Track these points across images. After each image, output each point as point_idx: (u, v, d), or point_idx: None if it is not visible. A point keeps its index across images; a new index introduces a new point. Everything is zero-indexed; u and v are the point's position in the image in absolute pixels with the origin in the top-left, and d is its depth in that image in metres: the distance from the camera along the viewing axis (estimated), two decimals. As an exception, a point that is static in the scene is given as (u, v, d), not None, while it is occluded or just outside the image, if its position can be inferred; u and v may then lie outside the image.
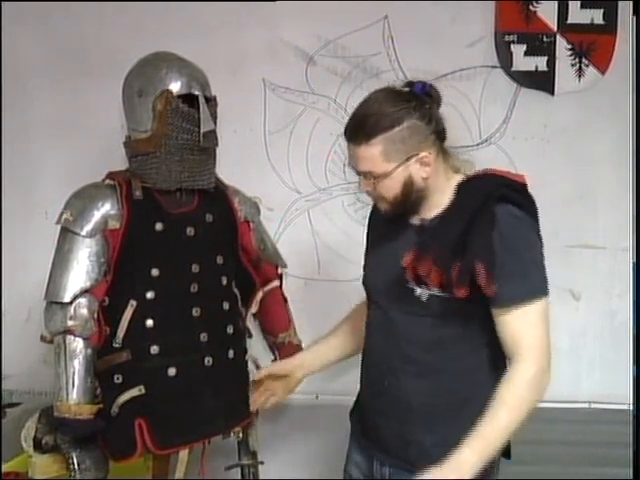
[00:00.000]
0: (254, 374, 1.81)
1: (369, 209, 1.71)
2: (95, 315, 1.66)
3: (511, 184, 1.46)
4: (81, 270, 1.65)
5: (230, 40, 2.32)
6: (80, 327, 1.64)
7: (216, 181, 1.79)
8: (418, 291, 1.42)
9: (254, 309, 1.94)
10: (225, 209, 1.82)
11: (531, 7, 2.31)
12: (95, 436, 1.65)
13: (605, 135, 2.34)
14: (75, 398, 1.62)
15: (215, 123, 1.70)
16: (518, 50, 2.32)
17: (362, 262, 1.66)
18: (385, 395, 1.53)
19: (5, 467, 1.92)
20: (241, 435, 1.84)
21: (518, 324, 1.39)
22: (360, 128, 1.40)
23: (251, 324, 1.95)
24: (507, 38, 2.31)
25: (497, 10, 2.31)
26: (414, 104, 1.40)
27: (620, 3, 2.29)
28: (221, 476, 1.91)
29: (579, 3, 2.30)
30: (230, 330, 1.76)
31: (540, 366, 1.38)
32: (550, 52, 2.32)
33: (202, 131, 1.65)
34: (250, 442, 1.89)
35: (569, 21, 2.31)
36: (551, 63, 2.33)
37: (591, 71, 2.33)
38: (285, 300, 2.00)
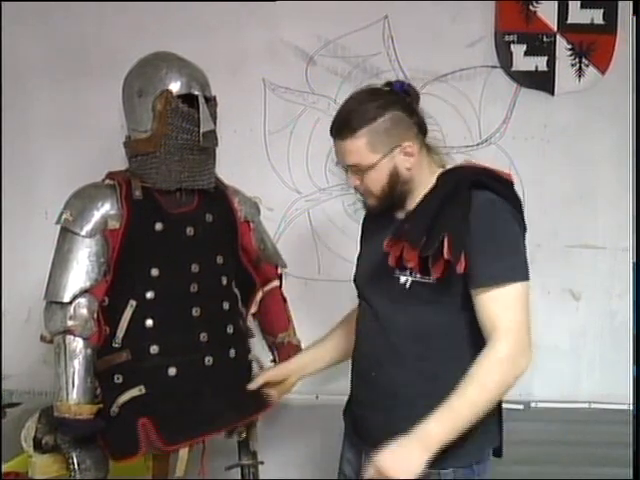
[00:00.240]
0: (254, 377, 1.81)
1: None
2: (95, 315, 1.66)
3: (489, 173, 1.49)
4: (81, 270, 1.65)
5: (230, 40, 2.33)
6: (80, 327, 1.64)
7: (216, 181, 1.79)
8: (402, 279, 1.47)
9: (253, 309, 1.94)
10: (225, 209, 1.82)
11: (531, 7, 2.31)
12: (95, 436, 1.65)
13: (605, 135, 2.35)
14: (75, 398, 1.62)
15: (215, 123, 1.70)
16: (518, 50, 2.32)
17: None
18: (372, 386, 1.55)
19: (5, 467, 1.92)
20: (244, 435, 1.84)
21: (495, 305, 1.40)
22: (345, 123, 1.47)
23: (250, 324, 1.95)
24: (507, 38, 2.31)
25: (497, 10, 2.31)
26: (394, 97, 1.49)
27: (620, 3, 2.29)
28: (221, 476, 1.91)
29: (579, 3, 2.30)
30: (230, 330, 1.76)
31: (515, 348, 1.39)
32: (550, 52, 2.33)
33: (202, 131, 1.65)
34: (250, 442, 1.89)
35: (569, 21, 2.31)
36: (551, 63, 2.33)
37: (591, 71, 2.33)
38: (285, 300, 2.00)
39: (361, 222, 1.74)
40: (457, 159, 2.25)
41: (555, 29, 2.32)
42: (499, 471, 1.60)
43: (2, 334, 2.29)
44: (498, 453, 1.58)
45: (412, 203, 1.51)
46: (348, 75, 2.34)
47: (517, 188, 1.52)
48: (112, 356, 1.66)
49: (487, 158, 2.29)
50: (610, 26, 2.30)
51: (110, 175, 1.75)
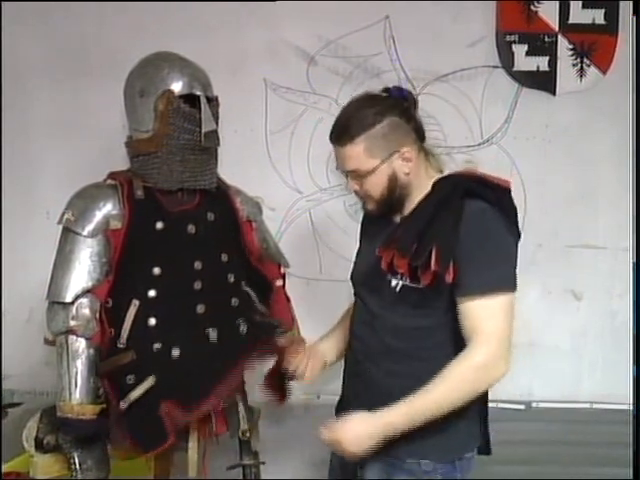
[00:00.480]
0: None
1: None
2: (97, 315, 1.66)
3: (483, 181, 1.51)
4: (83, 270, 1.65)
5: (230, 40, 2.33)
6: (82, 327, 1.63)
7: (218, 181, 1.78)
8: (393, 282, 1.50)
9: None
10: (227, 208, 1.81)
11: (532, 7, 2.31)
12: (97, 436, 1.65)
13: (606, 135, 2.35)
14: (78, 398, 1.61)
15: (217, 123, 1.70)
16: (519, 50, 2.32)
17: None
18: (360, 377, 1.61)
19: (6, 467, 1.92)
20: (247, 434, 1.84)
21: (479, 313, 1.42)
22: (344, 130, 1.50)
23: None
24: (508, 38, 2.32)
25: (498, 10, 2.32)
26: (392, 103, 1.51)
27: (621, 3, 2.30)
28: (223, 476, 1.91)
29: (580, 3, 2.30)
30: (242, 326, 1.75)
31: (493, 355, 1.41)
32: (551, 52, 2.33)
33: (203, 131, 1.64)
34: (252, 442, 1.89)
35: (570, 21, 2.32)
36: (552, 63, 2.33)
37: (592, 71, 2.33)
38: (288, 299, 1.99)
39: (360, 220, 1.76)
40: (458, 159, 2.29)
41: (556, 29, 2.32)
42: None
43: (3, 334, 2.29)
44: (485, 451, 1.61)
45: (409, 207, 1.54)
46: (349, 75, 2.34)
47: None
48: (118, 357, 1.64)
49: (488, 158, 2.31)
50: (611, 26, 2.31)
51: (112, 175, 1.74)
